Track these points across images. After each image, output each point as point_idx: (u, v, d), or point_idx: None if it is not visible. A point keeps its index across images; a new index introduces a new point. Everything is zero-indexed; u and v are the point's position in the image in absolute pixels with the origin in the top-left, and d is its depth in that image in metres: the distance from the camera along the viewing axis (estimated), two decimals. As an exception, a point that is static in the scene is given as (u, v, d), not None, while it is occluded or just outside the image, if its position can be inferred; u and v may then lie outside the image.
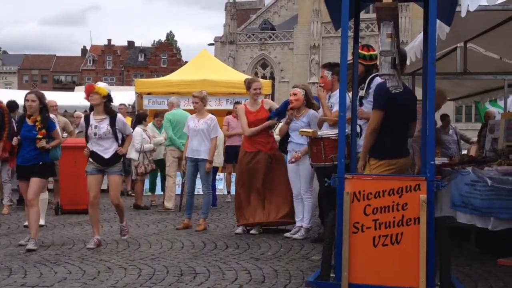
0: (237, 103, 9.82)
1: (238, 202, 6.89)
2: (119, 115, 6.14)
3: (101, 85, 6.08)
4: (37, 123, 5.92)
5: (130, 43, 75.06)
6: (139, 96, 12.23)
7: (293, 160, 6.41)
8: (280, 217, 6.75)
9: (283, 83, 47.59)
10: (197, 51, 17.85)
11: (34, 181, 5.89)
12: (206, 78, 11.73)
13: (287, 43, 48.89)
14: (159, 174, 9.81)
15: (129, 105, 12.68)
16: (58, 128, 6.49)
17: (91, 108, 6.15)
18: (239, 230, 6.77)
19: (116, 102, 11.91)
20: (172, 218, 7.88)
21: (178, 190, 9.29)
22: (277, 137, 9.54)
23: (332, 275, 3.52)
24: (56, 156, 7.32)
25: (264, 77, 42.93)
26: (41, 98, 6.01)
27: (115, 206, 6.23)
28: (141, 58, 72.21)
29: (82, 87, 24.85)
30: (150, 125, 9.82)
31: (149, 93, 12.12)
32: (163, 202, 9.07)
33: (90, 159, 5.95)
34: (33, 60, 73.80)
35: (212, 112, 10.37)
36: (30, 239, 5.78)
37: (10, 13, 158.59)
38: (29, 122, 5.97)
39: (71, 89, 26.77)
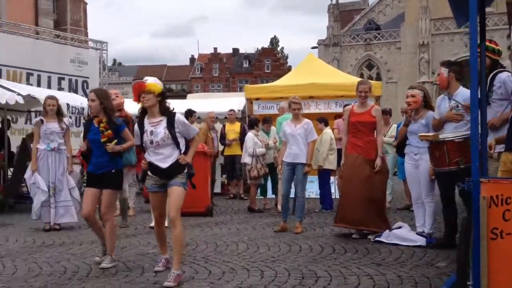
0: (346, 105, 9.71)
1: (339, 204, 6.93)
2: (178, 115, 4.85)
3: (152, 81, 4.82)
4: (101, 124, 5.37)
5: (235, 50, 77.06)
6: (249, 101, 12.52)
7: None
8: (374, 226, 6.55)
9: (390, 83, 46.26)
10: (300, 55, 17.96)
11: (107, 194, 5.29)
12: (314, 81, 11.75)
13: (393, 42, 47.54)
14: (269, 178, 9.95)
15: (239, 110, 13.01)
16: (127, 129, 5.63)
17: (144, 111, 4.83)
18: (355, 235, 6.68)
19: (225, 108, 12.45)
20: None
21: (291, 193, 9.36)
22: (388, 139, 9.36)
23: (469, 283, 3.35)
24: (130, 161, 6.62)
25: (370, 78, 42.00)
26: (100, 97, 5.43)
27: (171, 223, 4.72)
28: (245, 64, 73.88)
29: (194, 95, 25.77)
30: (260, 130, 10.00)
31: (257, 99, 12.37)
32: (276, 205, 9.21)
33: (149, 173, 4.86)
34: (146, 71, 78.05)
35: (322, 115, 10.41)
36: (106, 256, 5.33)
37: (124, 28, 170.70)
38: (95, 124, 5.44)
39: (183, 96, 28.02)
